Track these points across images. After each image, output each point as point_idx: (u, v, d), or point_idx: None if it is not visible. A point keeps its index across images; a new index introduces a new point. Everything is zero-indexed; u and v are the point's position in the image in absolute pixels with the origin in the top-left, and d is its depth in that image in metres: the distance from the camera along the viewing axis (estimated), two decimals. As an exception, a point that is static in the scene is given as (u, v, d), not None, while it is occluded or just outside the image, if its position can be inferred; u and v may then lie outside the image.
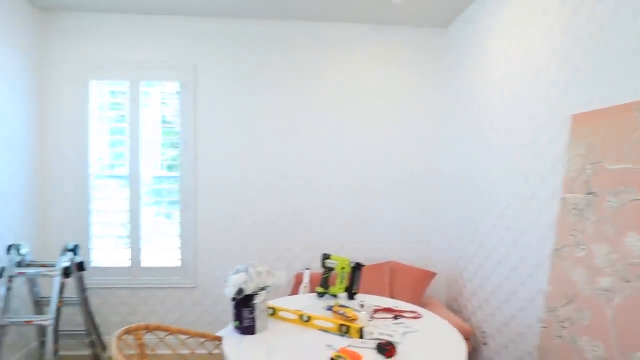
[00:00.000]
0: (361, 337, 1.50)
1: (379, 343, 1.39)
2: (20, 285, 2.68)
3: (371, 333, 1.54)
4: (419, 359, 1.35)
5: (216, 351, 1.84)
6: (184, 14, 3.00)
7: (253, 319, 1.57)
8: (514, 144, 2.17)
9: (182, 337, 1.77)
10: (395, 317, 1.74)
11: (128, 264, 3.03)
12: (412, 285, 2.70)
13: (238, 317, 1.58)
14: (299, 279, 2.85)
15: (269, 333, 1.59)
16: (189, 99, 3.03)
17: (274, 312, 1.77)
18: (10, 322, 2.36)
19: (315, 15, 2.99)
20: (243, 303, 1.57)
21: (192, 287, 3.07)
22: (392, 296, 2.62)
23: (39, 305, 2.73)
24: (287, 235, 3.11)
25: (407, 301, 2.08)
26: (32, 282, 2.69)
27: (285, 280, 1.70)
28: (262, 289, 1.60)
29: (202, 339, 1.80)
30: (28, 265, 2.53)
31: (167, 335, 1.74)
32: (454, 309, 2.92)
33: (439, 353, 1.41)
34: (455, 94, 2.97)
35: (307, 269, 2.56)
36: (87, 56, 2.99)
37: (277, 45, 3.08)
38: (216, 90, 3.06)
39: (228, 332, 1.60)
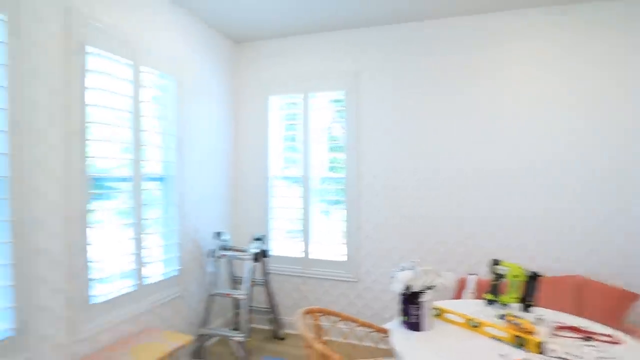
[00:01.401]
0: (541, 352, 1.39)
1: (565, 362, 1.27)
2: (221, 266, 3.35)
3: (553, 350, 1.41)
4: (618, 389, 1.18)
5: (381, 345, 1.95)
6: (347, 28, 3.25)
7: (419, 316, 1.62)
8: None
9: (351, 324, 1.94)
10: (586, 339, 1.54)
11: (300, 255, 3.45)
12: (607, 306, 2.30)
13: (405, 312, 1.65)
14: (462, 284, 2.75)
15: (436, 332, 1.61)
16: (352, 105, 3.26)
17: (439, 313, 1.78)
18: (217, 292, 2.97)
19: (476, 8, 2.84)
20: (410, 300, 1.63)
21: (355, 282, 3.29)
22: (578, 316, 2.29)
23: (235, 283, 3.36)
24: (451, 238, 3.04)
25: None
26: (230, 263, 3.32)
27: (453, 281, 1.70)
28: (429, 288, 1.63)
29: (368, 329, 1.94)
30: (228, 250, 3.13)
31: (338, 320, 1.94)
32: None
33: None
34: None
35: (472, 274, 2.46)
36: (267, 76, 3.53)
37: (438, 45, 3.05)
38: (377, 94, 3.21)
39: (394, 326, 1.69)
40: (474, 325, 1.62)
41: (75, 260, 2.03)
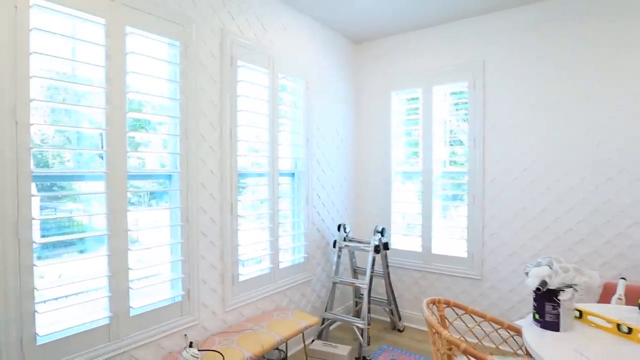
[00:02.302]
0: None
1: None
2: (343, 255, 3.56)
3: None
4: None
5: (503, 347, 1.89)
6: (467, 16, 3.14)
7: (557, 315, 1.54)
8: None
9: (477, 319, 1.92)
10: None
11: (420, 249, 3.46)
12: None
13: (540, 310, 1.59)
14: (608, 289, 2.46)
15: (576, 334, 1.51)
16: (478, 96, 3.14)
17: (581, 315, 1.65)
18: (340, 280, 3.19)
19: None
20: (546, 297, 1.56)
21: (478, 279, 3.17)
22: None
23: (356, 273, 3.53)
24: (593, 238, 2.72)
25: None
26: (351, 254, 3.51)
27: (598, 281, 1.56)
28: (569, 286, 1.54)
29: (496, 325, 1.89)
30: (350, 241, 3.32)
31: (463, 313, 1.94)
32: None
33: None
34: None
35: (622, 278, 2.18)
36: (388, 72, 3.61)
37: (570, 21, 2.74)
38: (504, 84, 3.04)
39: (527, 323, 1.63)
40: (626, 332, 1.48)
41: (226, 243, 2.42)
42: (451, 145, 3.36)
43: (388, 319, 3.58)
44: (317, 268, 3.26)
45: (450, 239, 3.35)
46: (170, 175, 2.16)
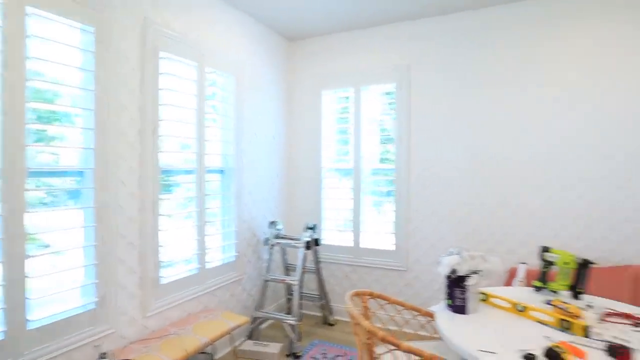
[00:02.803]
0: (586, 336, 1.40)
1: (611, 345, 1.28)
2: (275, 253, 3.55)
3: (600, 334, 1.41)
4: (667, 372, 1.18)
5: (422, 332, 2.02)
6: (396, 21, 3.29)
7: (464, 300, 1.68)
8: None
9: (398, 307, 2.03)
10: (637, 325, 1.52)
11: (351, 244, 3.57)
12: (667, 298, 2.20)
13: (450, 296, 1.72)
14: (512, 273, 2.73)
15: (481, 315, 1.66)
16: (404, 97, 3.31)
17: (486, 297, 1.82)
18: (271, 278, 3.18)
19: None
20: (456, 283, 1.69)
21: (404, 270, 3.35)
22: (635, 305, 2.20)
23: (288, 270, 3.55)
24: (501, 228, 3.00)
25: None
26: (283, 251, 3.51)
27: (500, 266, 1.73)
28: (475, 272, 1.68)
29: (415, 313, 2.02)
30: (282, 238, 3.32)
31: (386, 303, 2.04)
32: None
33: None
34: None
35: (522, 263, 2.44)
36: (320, 71, 3.66)
37: (489, 34, 3.01)
38: (427, 87, 3.23)
39: (440, 309, 1.76)
40: (520, 310, 1.65)
41: (147, 244, 2.29)
42: (383, 143, 3.50)
43: (320, 314, 3.65)
44: (248, 266, 3.22)
45: (380, 233, 3.50)
46: (82, 172, 2.00)
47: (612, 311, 1.65)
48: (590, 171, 2.73)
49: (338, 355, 2.90)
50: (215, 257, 2.88)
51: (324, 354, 2.92)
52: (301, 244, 3.09)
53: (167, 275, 2.46)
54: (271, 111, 3.54)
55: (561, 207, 2.82)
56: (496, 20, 2.98)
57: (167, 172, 2.49)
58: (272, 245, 3.25)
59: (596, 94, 2.71)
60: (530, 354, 1.26)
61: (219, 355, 2.87)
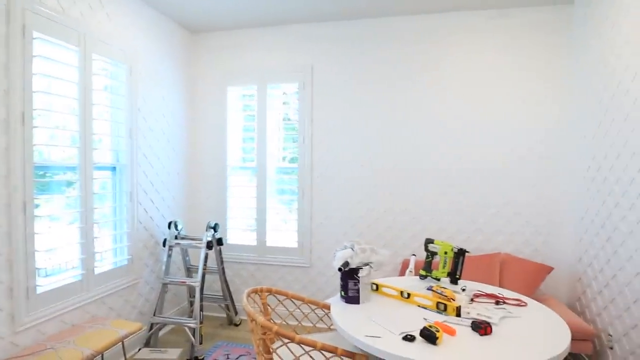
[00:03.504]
0: (458, 315, 1.58)
1: (475, 321, 1.46)
2: (176, 255, 3.37)
3: (468, 313, 1.61)
4: (515, 341, 1.38)
5: (319, 324, 2.10)
6: (301, 22, 3.35)
7: (357, 291, 1.77)
8: (649, 128, 1.94)
9: (297, 302, 2.07)
10: (497, 303, 1.76)
11: (256, 243, 3.54)
12: (524, 279, 2.58)
13: (344, 288, 1.80)
14: (405, 265, 2.97)
15: (372, 304, 1.77)
16: (307, 98, 3.37)
17: (377, 288, 1.95)
18: (170, 281, 3.01)
19: (423, 8, 3.03)
20: (349, 276, 1.78)
21: (308, 267, 3.43)
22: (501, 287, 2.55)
23: (189, 271, 3.39)
24: (397, 224, 3.24)
25: (514, 292, 2.04)
26: (184, 252, 3.35)
27: (389, 258, 1.86)
28: (366, 264, 1.79)
29: (313, 306, 2.08)
30: (182, 239, 3.16)
31: (285, 299, 2.06)
32: (576, 308, 2.70)
33: (538, 339, 1.40)
34: (583, 75, 2.71)
35: (413, 255, 2.65)
36: (225, 66, 3.56)
37: (388, 42, 3.22)
38: (330, 87, 3.35)
39: (335, 301, 1.83)
40: (406, 297, 1.80)
41: (17, 251, 2.00)
42: (288, 141, 3.52)
43: (225, 315, 3.56)
44: (144, 270, 3.00)
45: (284, 232, 3.53)
46: None
47: (480, 293, 1.89)
48: (471, 173, 3.09)
49: (242, 355, 2.85)
50: (105, 262, 2.63)
51: (227, 355, 2.86)
52: (202, 244, 2.98)
53: (45, 284, 2.18)
54: (171, 105, 3.35)
55: (447, 205, 3.15)
56: (395, 28, 3.20)
57: (44, 168, 2.20)
58: (172, 246, 3.08)
59: (483, 99, 3.07)
60: (409, 334, 1.38)
61: (109, 368, 2.63)
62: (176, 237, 3.13)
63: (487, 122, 3.06)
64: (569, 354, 2.76)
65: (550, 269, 2.62)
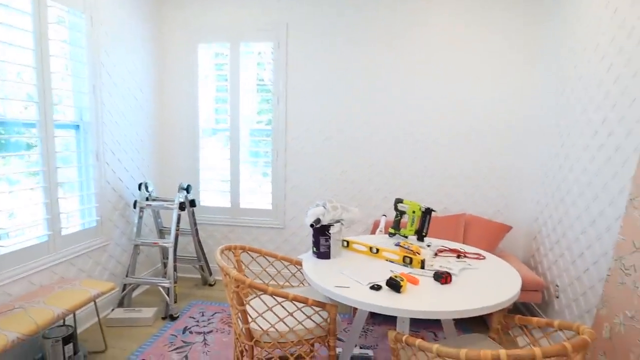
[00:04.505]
0: (422, 267, 1.69)
1: (437, 272, 1.56)
2: (148, 217, 3.34)
3: (432, 265, 1.71)
4: (471, 288, 1.49)
5: (294, 282, 2.18)
6: (274, -24, 3.22)
7: (328, 246, 1.84)
8: (602, 97, 2.04)
9: (270, 259, 2.13)
10: (459, 257, 1.87)
11: (229, 204, 3.54)
12: (486, 237, 2.75)
13: (316, 244, 1.86)
14: (376, 225, 3.08)
15: (342, 259, 1.85)
16: (282, 58, 3.30)
17: (348, 244, 2.02)
18: (142, 242, 3.00)
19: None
20: (320, 232, 1.84)
21: (282, 228, 3.48)
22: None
23: (162, 233, 3.38)
24: (369, 186, 3.32)
25: (475, 247, 2.17)
26: (156, 213, 3.32)
27: (359, 215, 1.93)
28: (338, 221, 1.85)
29: (286, 262, 2.14)
30: (154, 200, 3.12)
31: (258, 256, 2.11)
32: (530, 264, 2.91)
33: (492, 287, 1.52)
34: (547, 50, 2.78)
35: (383, 215, 2.75)
36: (195, 22, 3.40)
37: (365, 5, 3.15)
38: (306, 48, 3.27)
39: (307, 257, 1.90)
40: (375, 252, 1.89)
41: (-20, 209, 1.94)
42: (261, 103, 3.46)
43: (199, 276, 3.60)
44: (114, 231, 2.97)
45: (258, 193, 3.55)
46: None
47: (444, 248, 2.00)
48: (441, 140, 3.17)
49: (216, 312, 2.93)
50: (73, 223, 2.58)
51: (202, 312, 2.93)
52: (174, 206, 2.96)
53: (7, 245, 2.13)
54: (138, 61, 3.19)
55: (419, 169, 3.24)
56: (368, -12, 3.13)
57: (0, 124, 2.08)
58: (143, 208, 3.04)
59: (453, 70, 3.10)
60: (376, 284, 1.46)
61: (84, 326, 2.65)
62: (147, 199, 3.08)
63: (457, 92, 3.11)
64: (522, 303, 3.00)
65: (509, 228, 2.79)
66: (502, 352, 0.97)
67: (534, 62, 2.98)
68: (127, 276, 2.93)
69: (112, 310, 2.85)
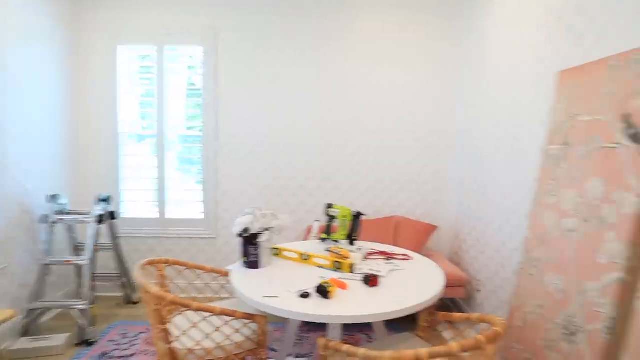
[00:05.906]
0: (351, 271, 1.70)
1: (365, 275, 1.58)
2: (60, 232, 3.02)
3: (361, 269, 1.73)
4: (398, 289, 1.53)
5: (224, 295, 2.09)
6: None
7: (257, 255, 1.79)
8: (508, 103, 2.24)
9: (198, 272, 2.02)
10: (387, 259, 1.92)
11: (156, 215, 3.33)
12: (414, 237, 2.87)
13: (245, 253, 1.80)
14: (309, 231, 3.07)
15: (272, 268, 1.81)
16: (211, 62, 3.19)
17: (278, 252, 1.98)
18: (52, 261, 2.69)
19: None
20: (249, 241, 1.78)
21: (214, 238, 3.34)
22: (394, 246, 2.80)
23: (78, 250, 3.07)
24: (302, 191, 3.31)
25: (404, 249, 2.25)
26: (70, 229, 3.01)
27: (289, 222, 1.90)
28: (267, 229, 1.80)
29: (216, 274, 2.05)
30: (67, 214, 2.83)
31: (185, 269, 2.00)
32: (454, 261, 3.09)
33: (417, 286, 1.57)
34: (465, 55, 3.00)
35: (316, 221, 2.74)
36: (115, 22, 3.17)
37: (293, 9, 3.16)
38: (236, 53, 3.20)
39: (236, 267, 1.83)
40: (305, 259, 1.87)
41: None
42: (190, 108, 3.31)
43: (122, 294, 3.33)
44: (16, 251, 2.63)
45: (187, 202, 3.37)
46: None
47: (373, 251, 2.04)
48: (370, 145, 3.27)
49: (141, 333, 2.72)
50: (-36, 243, 2.25)
51: (124, 334, 2.70)
52: (91, 219, 2.71)
53: None
54: (47, 62, 2.89)
55: (349, 174, 3.30)
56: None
57: None
58: (54, 222, 2.74)
59: (382, 77, 3.21)
60: (305, 292, 1.44)
61: (-23, 362, 2.31)
62: (59, 212, 2.79)
63: (381, 100, 3.24)
64: (449, 299, 3.17)
65: (435, 228, 2.93)
66: (423, 351, 1.00)
67: (447, 73, 3.19)
68: (33, 301, 2.62)
69: (16, 340, 2.52)
